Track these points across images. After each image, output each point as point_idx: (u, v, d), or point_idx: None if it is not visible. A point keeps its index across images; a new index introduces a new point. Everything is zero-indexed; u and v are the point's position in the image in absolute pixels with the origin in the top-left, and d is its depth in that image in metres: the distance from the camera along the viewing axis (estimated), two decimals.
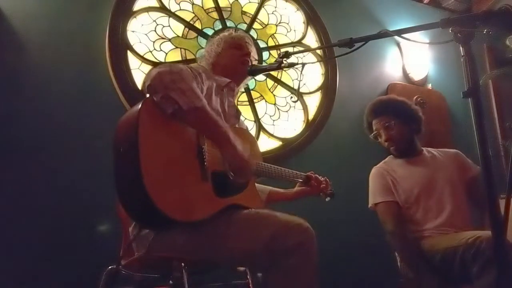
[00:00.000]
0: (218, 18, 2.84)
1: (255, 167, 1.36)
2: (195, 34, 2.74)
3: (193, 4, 2.80)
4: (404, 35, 1.27)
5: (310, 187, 1.76)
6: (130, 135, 1.10)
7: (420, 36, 3.14)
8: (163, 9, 2.67)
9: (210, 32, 2.79)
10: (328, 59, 3.02)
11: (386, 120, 2.02)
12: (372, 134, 2.09)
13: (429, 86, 3.45)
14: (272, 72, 2.87)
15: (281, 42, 3.04)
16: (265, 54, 2.95)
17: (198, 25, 2.76)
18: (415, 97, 3.19)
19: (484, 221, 1.88)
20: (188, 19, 2.74)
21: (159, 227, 1.23)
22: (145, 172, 1.05)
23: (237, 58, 1.63)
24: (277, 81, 2.97)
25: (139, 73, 2.44)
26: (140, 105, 1.15)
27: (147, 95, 1.20)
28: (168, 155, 1.16)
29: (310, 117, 2.95)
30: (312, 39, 3.15)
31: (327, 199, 1.81)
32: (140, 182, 1.04)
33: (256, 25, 2.98)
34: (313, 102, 3.02)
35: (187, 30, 2.72)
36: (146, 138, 1.10)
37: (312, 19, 3.14)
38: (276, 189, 1.77)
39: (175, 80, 1.15)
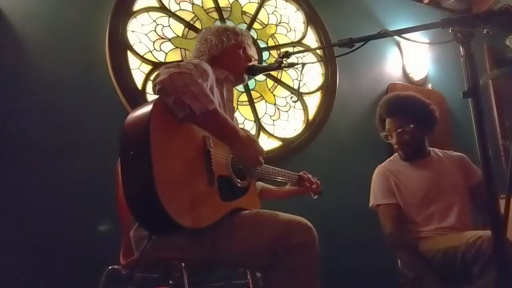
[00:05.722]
0: (218, 18, 2.84)
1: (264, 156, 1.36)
2: (195, 34, 2.73)
3: (193, 4, 2.80)
4: (404, 35, 1.28)
5: (302, 187, 1.78)
6: (141, 139, 1.07)
7: (420, 36, 3.13)
8: (163, 9, 2.67)
9: None
10: (328, 59, 3.02)
11: (402, 123, 1.93)
12: (383, 135, 2.03)
13: (429, 86, 3.46)
14: (272, 72, 2.87)
15: (281, 42, 3.04)
16: (265, 54, 2.94)
17: (198, 25, 2.76)
18: None
19: (486, 225, 1.87)
20: (188, 19, 2.74)
21: (167, 232, 1.21)
22: (158, 178, 1.03)
23: (242, 62, 1.60)
24: (277, 81, 2.97)
25: (139, 73, 2.44)
26: (151, 107, 1.11)
27: (157, 96, 1.16)
28: (179, 160, 1.15)
29: (310, 117, 2.95)
30: (312, 39, 3.15)
31: (315, 197, 1.84)
32: (152, 188, 1.02)
33: (256, 25, 2.98)
34: (313, 102, 3.02)
35: (187, 30, 2.72)
36: (158, 143, 1.08)
37: (312, 19, 3.14)
38: (268, 186, 1.78)
39: (187, 84, 1.13)
